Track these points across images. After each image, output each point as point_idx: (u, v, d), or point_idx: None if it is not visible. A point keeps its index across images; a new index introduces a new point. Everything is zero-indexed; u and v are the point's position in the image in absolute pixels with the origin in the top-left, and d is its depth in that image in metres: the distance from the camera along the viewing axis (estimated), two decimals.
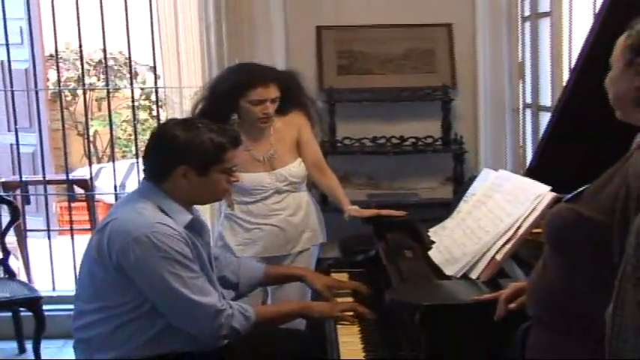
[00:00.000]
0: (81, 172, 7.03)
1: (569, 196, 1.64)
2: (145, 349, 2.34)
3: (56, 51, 4.85)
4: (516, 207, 2.13)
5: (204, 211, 3.82)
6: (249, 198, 3.22)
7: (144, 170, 2.51)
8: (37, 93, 4.97)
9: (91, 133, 8.23)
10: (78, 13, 4.51)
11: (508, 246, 2.08)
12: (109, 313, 2.35)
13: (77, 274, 2.54)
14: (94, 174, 5.75)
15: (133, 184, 6.00)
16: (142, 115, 8.83)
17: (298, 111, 3.30)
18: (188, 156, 2.37)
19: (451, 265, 2.19)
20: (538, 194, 2.09)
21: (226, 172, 2.45)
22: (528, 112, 4.13)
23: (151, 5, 4.38)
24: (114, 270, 2.31)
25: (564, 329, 1.61)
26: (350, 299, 2.66)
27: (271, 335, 2.60)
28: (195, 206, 2.53)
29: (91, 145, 8.34)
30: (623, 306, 1.18)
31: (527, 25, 4.06)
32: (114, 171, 5.09)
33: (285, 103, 3.23)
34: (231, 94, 3.14)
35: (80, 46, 4.78)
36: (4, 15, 4.53)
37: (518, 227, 2.08)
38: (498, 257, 2.08)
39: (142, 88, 8.60)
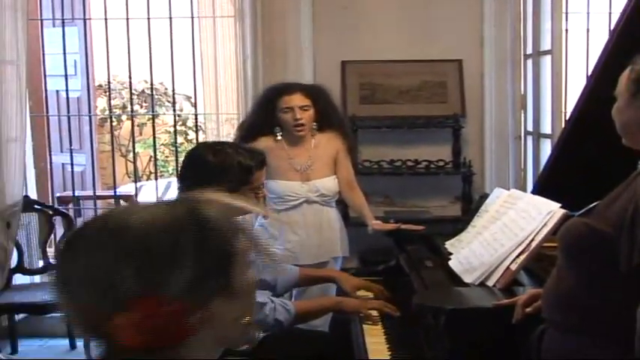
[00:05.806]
0: (123, 189, 7.06)
1: (582, 211, 1.66)
2: None
3: (109, 82, 4.93)
4: (529, 222, 2.14)
5: None
6: (281, 205, 3.22)
7: (178, 188, 2.50)
8: (90, 118, 5.05)
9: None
10: (129, 54, 4.59)
11: (522, 257, 2.09)
12: None
13: None
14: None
15: None
16: (178, 139, 8.86)
17: (338, 134, 3.33)
18: (218, 178, 2.33)
19: (470, 273, 2.19)
20: (549, 211, 2.10)
21: (254, 191, 2.45)
22: (529, 138, 4.14)
23: (193, 42, 4.43)
24: None
25: (575, 329, 1.62)
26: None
27: (297, 337, 2.59)
28: None
29: (133, 166, 8.37)
30: None
31: (529, 61, 4.09)
32: (156, 189, 5.15)
33: (323, 119, 3.28)
34: (266, 106, 3.25)
35: (130, 78, 4.86)
36: (64, 50, 4.62)
37: (532, 240, 2.09)
38: (513, 267, 2.09)
39: (179, 115, 8.63)
